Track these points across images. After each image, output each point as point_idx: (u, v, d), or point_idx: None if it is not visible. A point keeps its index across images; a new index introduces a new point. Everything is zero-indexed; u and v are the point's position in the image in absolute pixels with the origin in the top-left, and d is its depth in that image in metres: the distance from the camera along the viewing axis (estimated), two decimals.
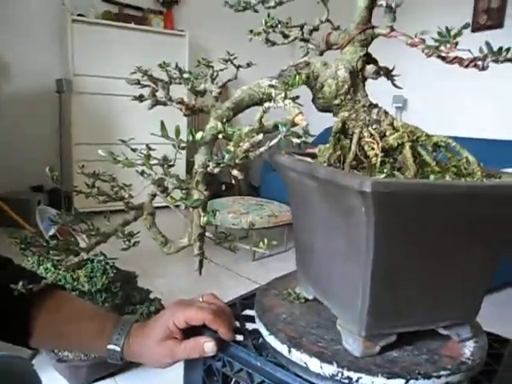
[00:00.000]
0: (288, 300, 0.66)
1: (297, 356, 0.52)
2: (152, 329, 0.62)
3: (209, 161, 0.41)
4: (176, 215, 0.50)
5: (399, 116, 4.22)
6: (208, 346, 0.58)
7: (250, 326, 0.66)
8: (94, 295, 1.38)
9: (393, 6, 0.49)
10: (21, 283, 0.45)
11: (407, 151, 0.50)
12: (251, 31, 0.60)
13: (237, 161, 0.38)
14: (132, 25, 3.90)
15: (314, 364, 0.50)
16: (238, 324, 0.66)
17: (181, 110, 0.54)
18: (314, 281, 0.62)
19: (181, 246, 0.52)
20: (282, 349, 0.54)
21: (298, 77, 0.47)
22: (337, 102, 0.56)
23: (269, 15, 0.60)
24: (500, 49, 0.40)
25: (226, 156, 0.38)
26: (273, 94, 0.43)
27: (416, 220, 0.44)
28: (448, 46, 0.40)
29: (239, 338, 0.62)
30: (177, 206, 0.49)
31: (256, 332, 0.62)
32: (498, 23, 3.42)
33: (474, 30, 3.59)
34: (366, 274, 0.46)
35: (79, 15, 3.67)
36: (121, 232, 0.52)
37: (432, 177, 0.47)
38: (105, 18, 3.83)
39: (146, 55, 3.89)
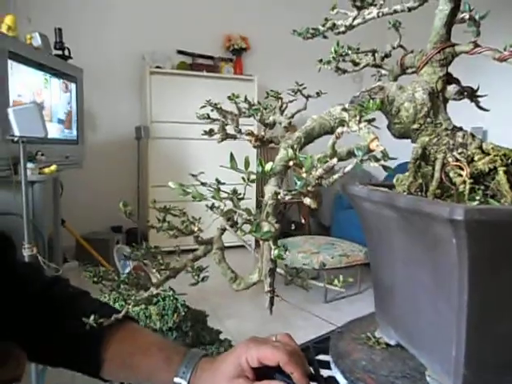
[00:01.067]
0: (367, 345, 0.60)
1: None
2: (222, 364, 0.60)
3: (279, 188, 0.39)
4: (246, 254, 0.48)
5: None
6: None
7: (324, 372, 0.61)
8: (165, 333, 1.39)
9: (476, 18, 0.45)
10: (92, 317, 0.46)
11: (501, 176, 0.44)
12: (320, 60, 0.59)
13: (309, 188, 0.35)
14: (204, 73, 4.14)
15: None
16: (311, 370, 0.61)
17: (250, 141, 0.53)
18: (397, 324, 0.55)
19: (251, 282, 0.50)
20: None
21: (372, 102, 0.45)
22: (415, 126, 0.52)
23: (338, 43, 0.58)
24: None
25: (298, 183, 0.36)
26: (346, 118, 0.40)
27: None
28: None
29: None
30: (246, 245, 0.47)
31: (332, 380, 0.57)
32: None
33: None
34: (460, 318, 0.40)
35: (157, 67, 3.98)
36: (190, 267, 0.51)
37: None
38: (180, 69, 4.12)
39: (218, 99, 4.07)
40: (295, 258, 2.78)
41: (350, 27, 0.51)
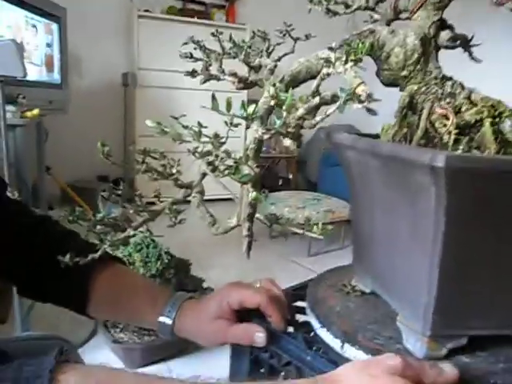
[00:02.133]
0: (343, 292, 0.62)
1: (350, 352, 0.48)
2: (205, 305, 0.61)
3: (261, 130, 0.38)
4: (232, 207, 0.48)
5: None
6: (259, 336, 0.56)
7: (300, 318, 0.63)
8: None
9: None
10: (68, 255, 0.45)
11: (487, 128, 0.43)
12: (311, 1, 0.56)
13: (289, 129, 0.34)
14: (195, 19, 3.97)
15: (336, 344, 0.47)
16: (288, 315, 0.63)
17: (233, 83, 0.51)
18: (373, 272, 0.57)
19: (229, 226, 0.49)
20: (335, 344, 0.50)
21: (361, 45, 0.43)
22: (405, 73, 0.50)
23: None
24: None
25: (278, 121, 0.34)
26: (332, 59, 0.38)
27: (497, 203, 0.37)
28: None
29: (289, 329, 0.59)
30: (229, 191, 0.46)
31: (307, 324, 0.59)
32: None
33: None
34: (433, 264, 0.41)
35: (146, 11, 3.79)
36: (168, 209, 0.50)
37: None
38: (169, 13, 3.94)
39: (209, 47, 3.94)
40: (281, 212, 2.81)
41: None
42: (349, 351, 0.48)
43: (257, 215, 0.50)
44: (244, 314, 0.60)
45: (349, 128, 4.63)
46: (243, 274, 2.54)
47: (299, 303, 0.67)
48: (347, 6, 0.58)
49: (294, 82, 0.50)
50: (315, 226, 0.50)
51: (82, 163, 3.90)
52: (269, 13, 4.46)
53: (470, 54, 0.55)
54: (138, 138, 3.86)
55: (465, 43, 0.52)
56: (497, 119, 0.44)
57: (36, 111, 2.34)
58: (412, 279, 0.45)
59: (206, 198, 0.53)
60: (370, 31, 0.50)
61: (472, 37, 0.53)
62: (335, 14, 0.57)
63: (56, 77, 2.92)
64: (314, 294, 0.62)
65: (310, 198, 3.14)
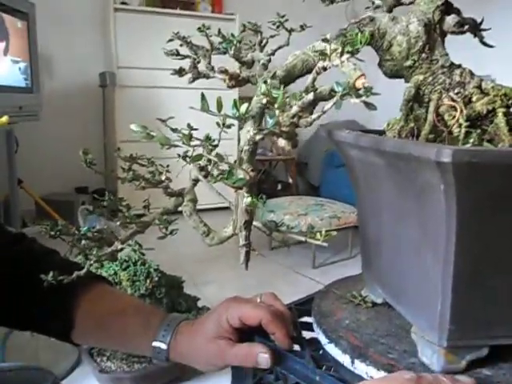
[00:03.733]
0: (352, 304, 0.63)
1: (361, 369, 0.49)
2: (202, 325, 0.61)
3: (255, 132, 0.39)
4: (228, 217, 0.49)
5: None
6: (262, 357, 0.56)
7: (307, 334, 0.64)
8: None
9: None
10: (51, 274, 0.46)
11: (500, 119, 0.45)
12: None
13: (283, 128, 0.35)
14: (178, 10, 4.00)
15: (346, 360, 0.48)
16: (294, 332, 0.63)
17: (224, 80, 0.52)
18: (383, 281, 0.58)
19: (225, 236, 0.51)
20: (344, 360, 0.51)
21: (360, 34, 0.44)
22: (409, 63, 0.52)
23: None
24: None
25: (270, 121, 0.35)
26: (327, 51, 0.40)
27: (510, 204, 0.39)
28: None
29: (296, 347, 0.60)
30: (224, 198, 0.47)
31: (315, 341, 0.60)
32: None
33: None
34: (446, 269, 0.42)
35: (122, 3, 3.82)
36: (158, 219, 0.51)
37: None
38: (149, 5, 3.97)
39: (195, 42, 3.97)
40: (281, 220, 2.81)
41: None
42: (359, 367, 0.49)
43: (254, 223, 0.51)
44: (245, 333, 0.60)
45: (352, 124, 4.66)
46: (242, 290, 2.54)
47: (305, 319, 0.68)
48: None
49: (289, 77, 0.51)
50: (318, 233, 0.51)
51: (58, 174, 3.90)
52: (259, 1, 4.50)
53: (481, 39, 0.57)
54: (120, 143, 3.87)
55: (474, 28, 0.54)
56: (511, 109, 0.46)
57: (5, 118, 2.35)
58: (425, 286, 0.46)
59: (199, 207, 0.54)
60: (369, 19, 0.52)
61: (482, 20, 0.55)
62: (332, 1, 0.59)
63: (26, 80, 2.93)
64: (320, 308, 0.63)
65: (312, 203, 3.15)
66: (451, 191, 0.38)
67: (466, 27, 0.50)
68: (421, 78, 0.51)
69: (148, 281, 1.41)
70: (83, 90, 4.02)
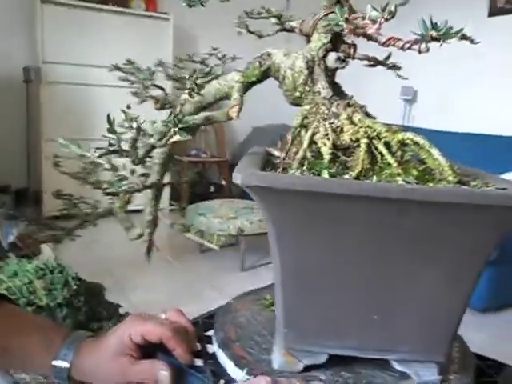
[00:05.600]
0: (261, 306, 0.67)
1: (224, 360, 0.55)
2: (105, 342, 0.61)
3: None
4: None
5: (408, 109, 4.22)
6: (162, 374, 0.57)
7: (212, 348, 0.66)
8: (53, 310, 1.37)
9: None
10: None
11: (362, 148, 0.50)
12: (239, 24, 0.62)
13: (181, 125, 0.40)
14: (110, 6, 3.90)
15: (230, 367, 0.53)
16: (198, 347, 0.65)
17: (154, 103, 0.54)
18: None
19: (136, 233, 0.53)
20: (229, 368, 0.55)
21: (252, 69, 0.48)
22: (297, 94, 0.57)
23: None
24: (435, 25, 0.40)
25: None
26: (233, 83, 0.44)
27: (317, 223, 0.45)
28: (374, 25, 0.41)
29: (199, 362, 0.61)
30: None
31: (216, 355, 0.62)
32: None
33: (491, 15, 3.60)
34: (277, 279, 0.49)
35: None
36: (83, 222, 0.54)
37: (351, 175, 0.47)
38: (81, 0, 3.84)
39: (126, 40, 3.90)
40: (211, 223, 2.83)
41: None
42: (223, 359, 0.55)
43: (167, 221, 0.54)
44: (149, 350, 0.60)
45: (283, 127, 4.77)
46: (170, 294, 2.54)
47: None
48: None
49: (204, 104, 0.55)
50: (214, 237, 0.56)
51: None
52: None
53: (397, 70, 0.62)
54: (44, 141, 3.71)
55: (379, 62, 0.59)
56: (376, 140, 0.51)
57: None
58: (276, 291, 0.52)
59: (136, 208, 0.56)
60: (267, 54, 0.56)
61: (389, 56, 0.60)
62: (260, 36, 0.63)
63: None
64: (221, 321, 0.66)
65: (243, 206, 3.19)
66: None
67: (345, 61, 0.55)
68: (307, 107, 0.56)
69: (66, 289, 1.38)
70: (5, 86, 3.81)
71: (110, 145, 0.47)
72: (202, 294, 2.53)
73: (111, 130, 0.47)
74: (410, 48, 0.44)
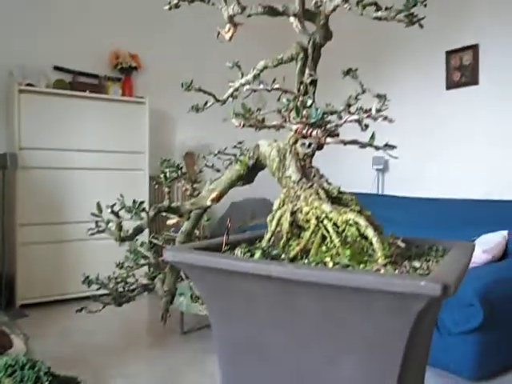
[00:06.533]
0: None
1: None
2: None
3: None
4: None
5: (381, 178, 4.36)
6: None
7: None
8: None
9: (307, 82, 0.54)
10: None
11: (310, 228, 0.53)
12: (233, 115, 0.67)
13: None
14: (87, 93, 4.04)
15: None
16: None
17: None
18: None
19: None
20: None
21: (239, 163, 0.53)
22: (276, 178, 0.60)
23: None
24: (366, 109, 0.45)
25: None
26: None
27: (232, 298, 0.49)
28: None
29: None
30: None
31: None
32: (472, 80, 3.70)
33: (448, 88, 3.86)
34: (215, 349, 0.56)
35: (28, 85, 3.79)
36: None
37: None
38: (57, 87, 3.97)
39: (103, 124, 4.01)
40: (190, 303, 2.76)
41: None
42: None
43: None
44: None
45: (263, 201, 4.84)
46: (151, 382, 2.41)
47: None
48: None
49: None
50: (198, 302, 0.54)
51: None
52: (169, 85, 4.70)
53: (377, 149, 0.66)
54: (19, 226, 3.66)
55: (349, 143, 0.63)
56: (326, 221, 0.53)
57: None
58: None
59: None
60: (256, 145, 0.62)
61: (373, 135, 0.64)
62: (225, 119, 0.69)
63: None
64: None
65: None
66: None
67: (314, 148, 0.58)
68: (284, 191, 0.58)
69: None
70: None
71: (97, 225, 0.53)
72: (184, 380, 2.41)
73: (98, 215, 0.51)
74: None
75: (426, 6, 0.71)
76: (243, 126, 0.58)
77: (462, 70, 3.79)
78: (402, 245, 0.52)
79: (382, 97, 0.75)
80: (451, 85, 3.86)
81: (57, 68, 4.19)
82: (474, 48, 3.70)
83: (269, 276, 0.41)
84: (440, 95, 3.92)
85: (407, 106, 4.06)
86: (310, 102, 0.55)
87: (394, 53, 4.26)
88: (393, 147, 0.64)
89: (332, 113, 0.68)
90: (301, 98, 0.57)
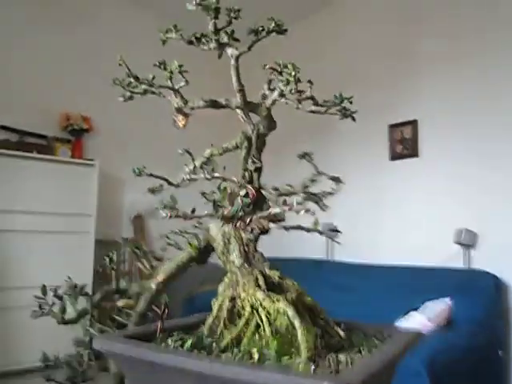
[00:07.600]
0: None
1: None
2: None
3: None
4: None
5: (330, 244, 4.44)
6: None
7: None
8: None
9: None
10: None
11: (245, 316, 0.54)
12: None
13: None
14: (34, 154, 3.95)
15: None
16: None
17: None
18: None
19: None
20: None
21: (189, 246, 0.54)
22: (221, 262, 0.61)
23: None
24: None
25: None
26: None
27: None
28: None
29: None
30: None
31: None
32: (413, 152, 3.95)
33: (392, 159, 4.10)
34: None
35: None
36: None
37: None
38: (2, 148, 3.87)
39: (50, 186, 3.91)
40: None
41: None
42: None
43: None
44: None
45: (212, 266, 4.76)
46: None
47: None
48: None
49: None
50: None
51: None
52: (119, 147, 4.71)
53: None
54: None
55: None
56: (260, 308, 0.54)
57: None
58: None
59: None
60: (205, 229, 0.63)
61: (316, 220, 0.67)
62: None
63: None
64: None
65: None
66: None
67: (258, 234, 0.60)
68: (228, 275, 0.60)
69: None
70: None
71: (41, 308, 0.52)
72: None
73: (42, 297, 0.51)
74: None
75: (351, 102, 0.78)
76: (170, 217, 0.61)
77: (404, 142, 4.04)
78: (342, 333, 0.54)
79: (336, 179, 0.79)
80: (394, 156, 4.10)
81: (2, 127, 4.10)
82: (413, 123, 3.99)
83: (185, 369, 0.41)
84: (384, 165, 4.15)
85: (357, 178, 4.25)
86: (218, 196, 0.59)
87: (341, 128, 4.50)
88: (337, 231, 0.68)
89: (282, 194, 0.72)
90: (245, 185, 0.60)
